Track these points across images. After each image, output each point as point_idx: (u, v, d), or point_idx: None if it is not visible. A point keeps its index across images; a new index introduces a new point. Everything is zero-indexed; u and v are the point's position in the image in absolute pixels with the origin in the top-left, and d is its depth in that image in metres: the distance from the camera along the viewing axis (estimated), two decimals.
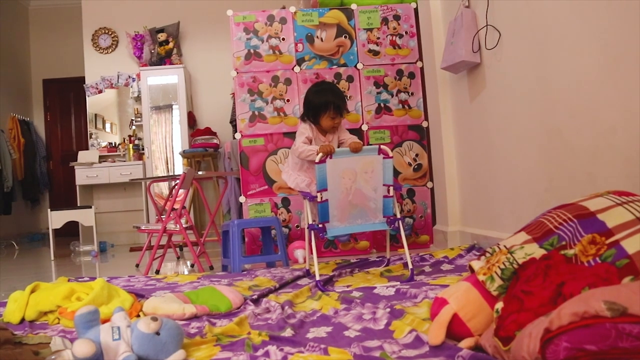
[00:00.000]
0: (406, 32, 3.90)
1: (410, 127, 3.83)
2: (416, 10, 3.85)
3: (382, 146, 2.39)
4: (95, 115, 6.78)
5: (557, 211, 1.39)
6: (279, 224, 3.33)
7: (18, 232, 7.21)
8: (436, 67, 3.43)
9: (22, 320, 1.99)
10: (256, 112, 3.78)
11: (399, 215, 2.46)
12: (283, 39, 3.83)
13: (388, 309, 1.72)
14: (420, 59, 3.86)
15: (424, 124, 3.83)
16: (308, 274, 2.69)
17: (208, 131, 6.06)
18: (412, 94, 3.85)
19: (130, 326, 1.40)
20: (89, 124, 6.77)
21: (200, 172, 5.22)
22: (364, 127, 3.78)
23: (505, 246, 1.39)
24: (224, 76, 5.50)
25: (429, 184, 3.78)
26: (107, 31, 6.71)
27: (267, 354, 1.38)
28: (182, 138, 6.30)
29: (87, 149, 6.77)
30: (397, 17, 3.90)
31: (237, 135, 3.79)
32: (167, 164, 6.47)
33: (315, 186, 2.43)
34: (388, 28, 3.89)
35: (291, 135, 3.61)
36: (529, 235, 1.39)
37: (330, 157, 2.33)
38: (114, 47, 6.71)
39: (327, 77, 3.77)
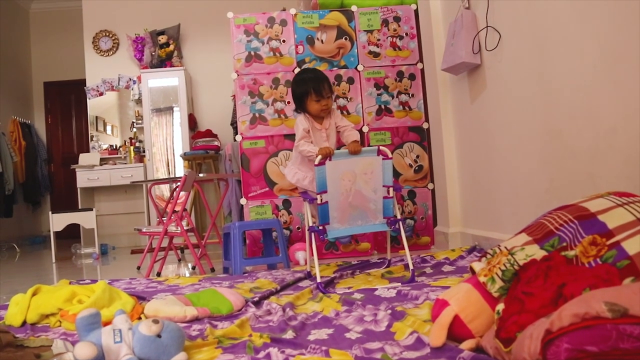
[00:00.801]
0: (406, 34, 3.90)
1: (411, 128, 3.84)
2: (416, 12, 3.85)
3: (381, 147, 2.39)
4: (96, 117, 6.79)
5: (558, 212, 1.39)
6: (280, 226, 3.33)
7: (19, 234, 7.22)
8: (436, 68, 3.43)
9: (24, 323, 1.99)
10: (257, 114, 3.78)
11: (399, 216, 2.46)
12: (283, 41, 3.83)
13: (389, 311, 1.72)
14: (421, 60, 3.86)
15: (425, 126, 3.83)
16: (309, 275, 2.69)
17: (209, 133, 6.07)
18: (412, 95, 3.86)
19: (131, 329, 1.40)
20: (90, 126, 6.78)
21: (201, 175, 5.23)
22: (365, 129, 3.79)
23: (506, 247, 1.39)
24: (224, 78, 5.52)
25: (430, 186, 3.78)
26: (107, 34, 6.72)
27: (268, 356, 1.38)
28: (183, 140, 6.31)
29: (88, 151, 6.79)
30: (397, 19, 3.90)
31: (238, 137, 3.80)
32: (168, 166, 6.47)
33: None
34: (388, 30, 3.89)
35: (292, 137, 3.59)
36: (529, 237, 1.39)
37: (330, 159, 2.33)
38: (114, 49, 6.72)
39: None
